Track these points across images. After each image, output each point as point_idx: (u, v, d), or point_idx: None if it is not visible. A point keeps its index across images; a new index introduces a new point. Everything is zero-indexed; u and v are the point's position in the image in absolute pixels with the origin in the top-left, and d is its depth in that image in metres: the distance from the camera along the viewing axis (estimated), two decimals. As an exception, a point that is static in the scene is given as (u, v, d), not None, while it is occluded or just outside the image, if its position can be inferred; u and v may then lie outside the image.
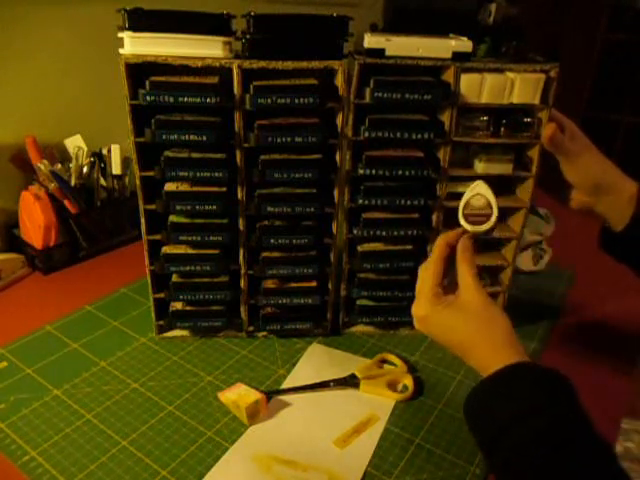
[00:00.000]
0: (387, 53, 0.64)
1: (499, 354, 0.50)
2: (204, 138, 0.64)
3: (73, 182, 0.94)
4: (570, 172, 0.67)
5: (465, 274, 0.54)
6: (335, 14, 0.64)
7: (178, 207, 0.68)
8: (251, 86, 0.63)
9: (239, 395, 0.65)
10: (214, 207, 0.68)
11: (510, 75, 0.66)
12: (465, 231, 0.56)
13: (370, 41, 0.63)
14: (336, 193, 0.71)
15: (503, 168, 0.71)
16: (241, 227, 0.71)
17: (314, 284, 0.76)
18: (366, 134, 0.66)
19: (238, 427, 0.63)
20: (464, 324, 0.53)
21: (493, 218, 0.56)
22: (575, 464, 0.43)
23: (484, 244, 0.79)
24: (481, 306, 0.53)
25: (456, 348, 0.54)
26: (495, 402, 0.48)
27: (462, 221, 0.56)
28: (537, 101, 0.67)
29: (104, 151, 0.99)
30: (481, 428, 0.48)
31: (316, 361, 0.74)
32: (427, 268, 0.56)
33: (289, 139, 0.65)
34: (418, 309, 0.56)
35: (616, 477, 0.42)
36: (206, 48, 0.62)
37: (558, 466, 0.43)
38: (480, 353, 0.51)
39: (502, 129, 0.69)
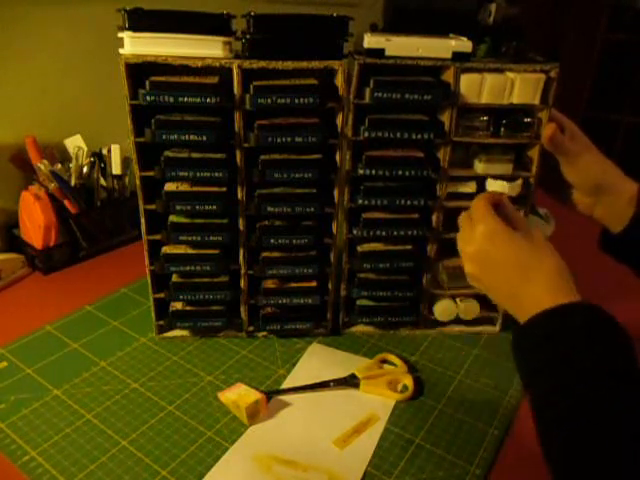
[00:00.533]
0: (387, 53, 0.64)
1: (564, 292, 0.47)
2: (204, 138, 0.64)
3: (73, 182, 0.94)
4: (570, 172, 0.67)
5: (522, 219, 0.54)
6: (335, 14, 0.64)
7: (178, 207, 0.68)
8: (251, 86, 0.63)
9: (239, 395, 0.65)
10: (214, 207, 0.68)
11: (510, 75, 0.66)
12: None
13: (370, 41, 0.63)
14: (336, 193, 0.71)
15: (503, 168, 0.71)
16: (241, 227, 0.71)
17: (314, 284, 0.76)
18: (366, 134, 0.66)
19: (238, 427, 0.63)
20: (535, 247, 0.50)
21: None
22: (616, 402, 0.41)
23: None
24: (545, 242, 0.52)
25: (516, 278, 0.49)
26: (552, 339, 0.45)
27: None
28: (537, 101, 0.67)
29: (104, 151, 0.99)
30: (529, 360, 0.47)
31: (316, 361, 0.74)
32: (479, 197, 0.55)
33: (289, 139, 0.65)
34: (481, 226, 0.52)
35: None
36: (206, 48, 0.62)
37: (599, 400, 0.41)
38: (545, 282, 0.48)
39: (502, 129, 0.69)
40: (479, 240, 0.52)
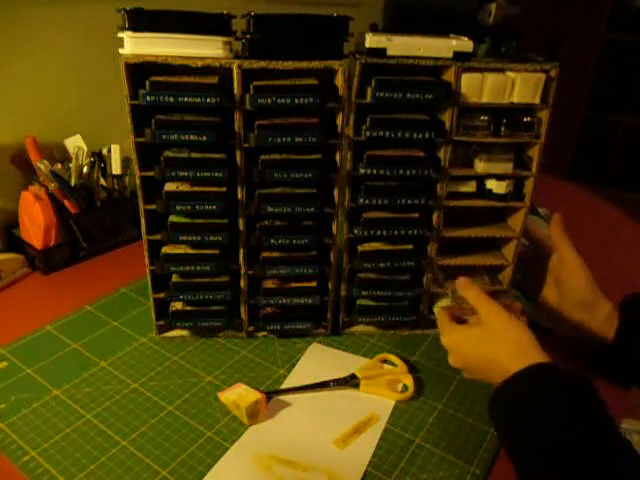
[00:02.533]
0: (388, 53, 0.64)
1: (527, 358, 0.53)
2: (204, 138, 0.64)
3: (73, 182, 0.94)
4: (551, 296, 0.70)
5: (476, 299, 0.59)
6: (335, 14, 0.64)
7: (178, 207, 0.68)
8: (251, 86, 0.63)
9: (239, 395, 0.65)
10: (214, 207, 0.68)
11: (510, 75, 0.66)
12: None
13: (372, 41, 0.63)
14: (336, 193, 0.71)
15: (503, 167, 0.71)
16: (241, 227, 0.71)
17: (314, 284, 0.76)
18: (367, 134, 0.66)
19: (238, 427, 0.63)
20: (491, 337, 0.56)
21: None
22: (592, 452, 0.46)
23: (484, 244, 0.79)
24: (502, 319, 0.57)
25: (486, 363, 0.57)
26: (519, 399, 0.51)
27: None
28: (537, 100, 0.67)
29: (104, 151, 0.99)
30: (505, 423, 0.52)
31: (316, 361, 0.74)
32: (438, 311, 0.64)
33: (289, 139, 0.65)
34: (447, 338, 0.61)
35: (634, 465, 0.44)
36: (206, 48, 0.62)
37: (575, 453, 0.46)
38: (509, 360, 0.54)
39: (502, 128, 0.69)
40: (449, 346, 0.61)
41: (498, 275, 0.81)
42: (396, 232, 0.73)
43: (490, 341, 0.56)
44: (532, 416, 0.49)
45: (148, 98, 0.61)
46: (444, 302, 0.80)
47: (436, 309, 0.80)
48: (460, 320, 0.63)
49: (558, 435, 0.47)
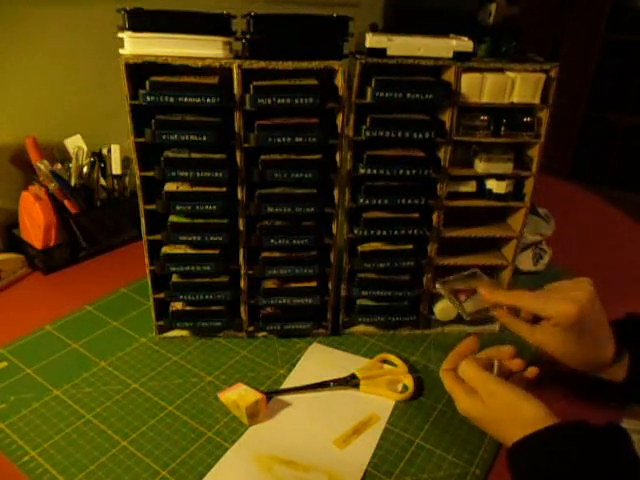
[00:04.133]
0: (388, 53, 0.64)
1: (526, 428, 0.52)
2: (204, 138, 0.64)
3: (73, 182, 0.94)
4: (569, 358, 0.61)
5: (471, 376, 0.59)
6: (335, 14, 0.64)
7: (178, 207, 0.68)
8: (251, 86, 0.63)
9: (239, 395, 0.65)
10: (214, 207, 0.68)
11: (510, 75, 0.66)
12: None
13: (372, 41, 0.63)
14: (336, 193, 0.71)
15: (503, 167, 0.71)
16: (241, 227, 0.71)
17: (314, 284, 0.76)
18: (367, 134, 0.66)
19: (238, 427, 0.63)
20: (490, 413, 0.56)
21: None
22: None
23: (484, 244, 0.79)
24: (496, 392, 0.56)
25: (494, 434, 0.58)
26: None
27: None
28: (537, 100, 0.67)
29: (104, 151, 0.99)
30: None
31: (316, 361, 0.74)
32: (442, 374, 0.63)
33: (289, 139, 0.65)
34: (457, 405, 0.60)
35: None
36: (206, 48, 0.62)
37: None
38: (510, 433, 0.54)
39: (502, 128, 0.69)
40: (459, 410, 0.60)
41: (498, 275, 0.81)
42: (396, 232, 0.73)
43: (491, 419, 0.56)
44: None
45: (148, 98, 0.61)
46: (445, 303, 0.80)
47: (437, 306, 0.79)
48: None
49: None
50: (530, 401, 0.54)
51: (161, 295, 0.75)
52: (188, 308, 0.77)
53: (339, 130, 0.66)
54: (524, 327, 0.61)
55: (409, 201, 0.71)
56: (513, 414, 0.54)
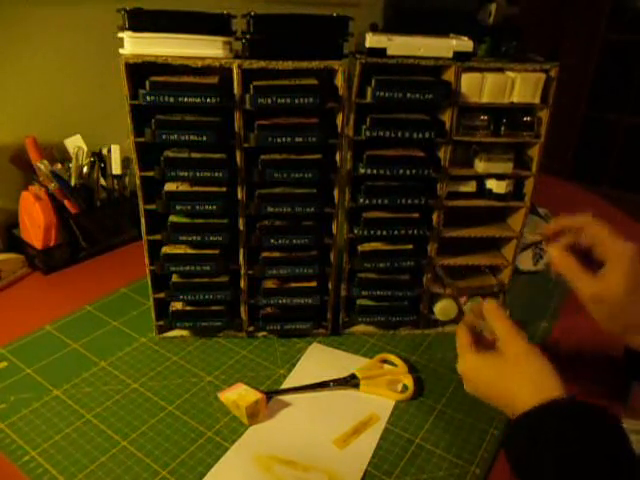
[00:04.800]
0: (388, 52, 0.64)
1: (546, 394, 0.51)
2: (204, 138, 0.64)
3: (73, 182, 0.94)
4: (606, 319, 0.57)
5: (500, 328, 0.57)
6: (335, 14, 0.64)
7: (178, 207, 0.68)
8: (251, 86, 0.63)
9: (239, 395, 0.65)
10: (214, 207, 0.68)
11: (510, 74, 0.66)
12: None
13: (372, 40, 0.63)
14: (336, 193, 0.71)
15: (503, 167, 0.71)
16: (241, 227, 0.71)
17: (314, 284, 0.76)
18: (367, 133, 0.66)
19: (238, 427, 0.63)
20: (510, 369, 0.54)
21: None
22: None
23: (484, 244, 0.79)
24: (523, 351, 0.55)
25: (503, 396, 0.54)
26: (536, 434, 0.49)
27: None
28: (537, 100, 0.67)
29: (104, 151, 0.99)
30: (521, 459, 0.50)
31: (316, 361, 0.74)
32: (460, 327, 0.61)
33: (289, 139, 0.65)
34: (463, 366, 0.58)
35: None
36: (206, 48, 0.62)
37: None
38: (528, 395, 0.52)
39: (502, 128, 0.69)
40: (464, 373, 0.58)
41: (498, 275, 0.81)
42: (396, 232, 0.73)
43: (509, 374, 0.54)
44: (547, 451, 0.48)
45: (148, 98, 0.61)
46: (445, 303, 0.80)
47: (437, 306, 0.80)
48: (478, 336, 0.61)
49: (574, 470, 0.46)
50: (547, 362, 0.53)
51: (161, 295, 0.75)
52: (188, 308, 0.77)
53: (339, 130, 0.66)
54: (583, 275, 0.56)
55: (409, 201, 0.71)
56: (533, 371, 0.53)
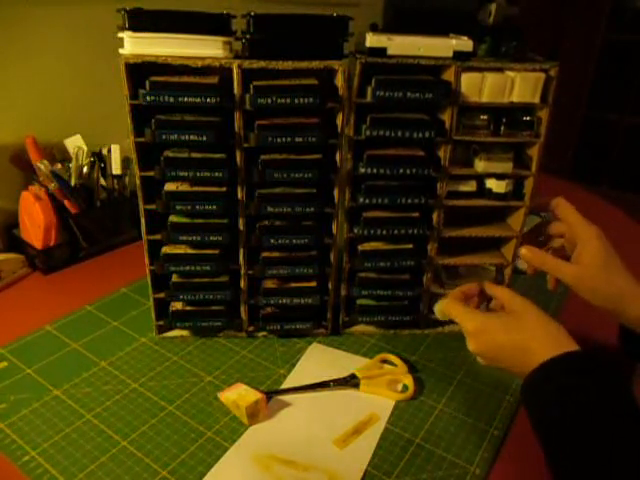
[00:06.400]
0: (389, 52, 0.64)
1: (561, 347, 0.52)
2: (204, 138, 0.64)
3: (73, 182, 0.94)
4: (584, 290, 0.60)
5: (501, 292, 0.59)
6: (335, 14, 0.64)
7: (178, 207, 0.68)
8: (251, 86, 0.63)
9: (239, 395, 0.65)
10: (214, 207, 0.68)
11: (510, 74, 0.66)
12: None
13: (372, 40, 0.63)
14: (336, 193, 0.71)
15: (503, 167, 0.71)
16: (241, 227, 0.71)
17: (314, 284, 0.76)
18: (367, 133, 0.66)
19: (238, 427, 0.63)
20: (522, 324, 0.55)
21: None
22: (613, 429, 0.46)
23: (484, 244, 0.79)
24: (531, 308, 0.56)
25: (515, 351, 0.54)
26: (556, 386, 0.50)
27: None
28: (537, 100, 0.67)
29: (104, 151, 0.99)
30: (541, 409, 0.51)
31: (316, 361, 0.74)
32: (450, 302, 0.61)
33: (289, 139, 0.65)
34: (471, 323, 0.57)
35: None
36: (206, 48, 0.62)
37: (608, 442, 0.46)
38: (543, 348, 0.52)
39: (502, 128, 0.69)
40: (474, 332, 0.57)
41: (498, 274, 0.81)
42: (396, 231, 0.73)
43: (522, 328, 0.55)
44: (568, 403, 0.48)
45: (148, 98, 0.61)
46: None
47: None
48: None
49: (591, 422, 0.47)
50: (554, 320, 0.55)
51: (161, 295, 0.75)
52: (188, 308, 0.77)
53: (339, 130, 0.66)
54: (558, 262, 0.61)
55: (409, 200, 0.71)
56: (544, 325, 0.54)
